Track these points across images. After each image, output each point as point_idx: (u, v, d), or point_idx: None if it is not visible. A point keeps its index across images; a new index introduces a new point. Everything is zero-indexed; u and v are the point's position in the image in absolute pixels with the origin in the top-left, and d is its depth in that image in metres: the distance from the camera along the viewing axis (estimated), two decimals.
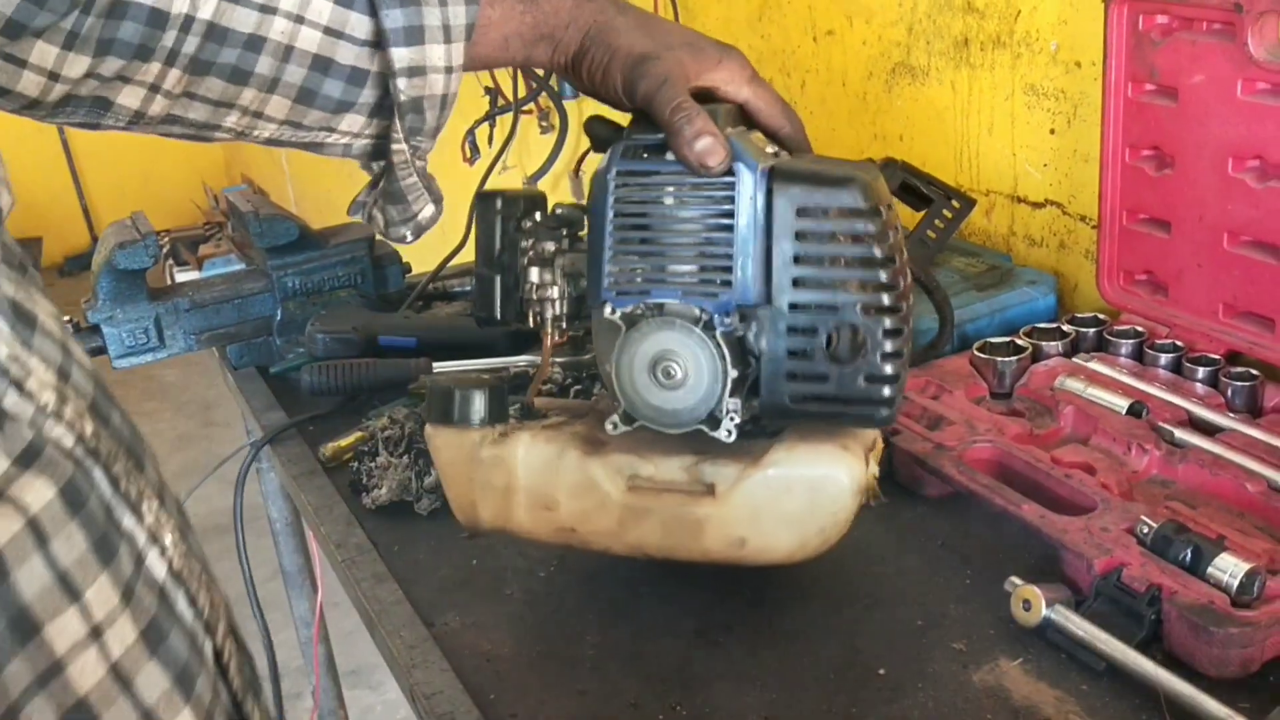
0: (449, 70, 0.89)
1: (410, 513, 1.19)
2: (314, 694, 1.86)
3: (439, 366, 1.41)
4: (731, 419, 0.92)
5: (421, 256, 1.70)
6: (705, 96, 0.92)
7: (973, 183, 1.58)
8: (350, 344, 1.45)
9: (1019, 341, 1.27)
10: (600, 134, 0.95)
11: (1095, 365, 1.24)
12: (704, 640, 0.98)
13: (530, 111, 2.54)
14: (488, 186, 1.12)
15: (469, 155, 2.52)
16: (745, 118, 0.95)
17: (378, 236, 1.60)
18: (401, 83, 0.87)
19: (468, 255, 1.67)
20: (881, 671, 0.92)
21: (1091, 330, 1.29)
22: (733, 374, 0.90)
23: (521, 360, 1.43)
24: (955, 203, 1.37)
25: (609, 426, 0.95)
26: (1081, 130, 1.41)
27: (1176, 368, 1.22)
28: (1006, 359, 1.24)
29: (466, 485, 0.99)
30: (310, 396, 1.42)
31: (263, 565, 3.30)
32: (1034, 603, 0.93)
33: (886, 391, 0.88)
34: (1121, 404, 1.15)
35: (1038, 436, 1.15)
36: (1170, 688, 0.83)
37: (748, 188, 0.87)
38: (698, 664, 0.96)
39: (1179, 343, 1.24)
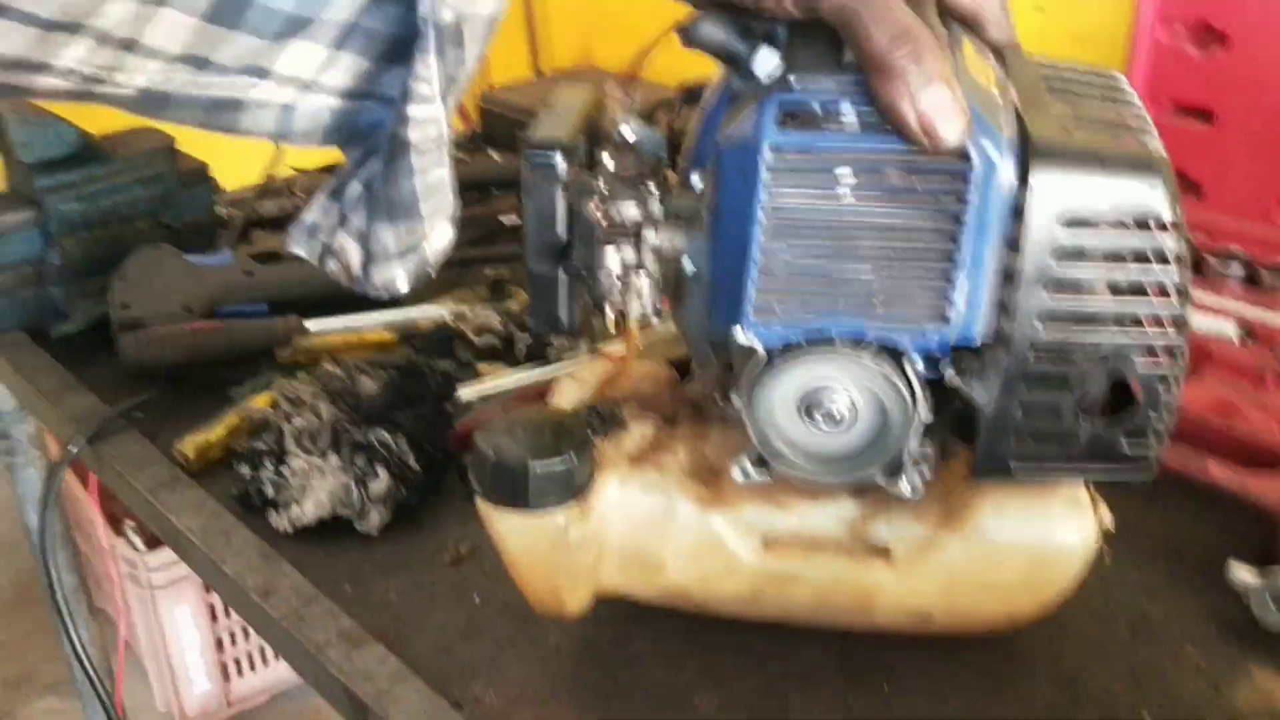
0: None
1: (348, 534, 0.84)
2: None
3: (315, 325, 1.04)
4: (920, 471, 0.64)
5: (225, 166, 1.30)
6: None
7: None
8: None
9: None
10: (718, 41, 0.57)
11: None
12: (864, 690, 0.71)
13: None
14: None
15: None
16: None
17: (177, 145, 1.18)
18: None
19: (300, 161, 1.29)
20: (1146, 715, 0.69)
21: None
22: (927, 418, 0.62)
23: (421, 312, 1.09)
24: None
25: (736, 474, 0.65)
26: (1075, 7, 1.20)
27: (1251, 281, 1.04)
28: None
29: (548, 574, 0.68)
30: (129, 376, 1.01)
31: None
32: None
33: (1155, 449, 0.62)
34: (1228, 330, 0.96)
35: None
36: None
37: (989, 176, 0.56)
38: None
39: (1241, 250, 1.06)
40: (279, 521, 0.84)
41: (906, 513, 0.67)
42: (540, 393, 0.96)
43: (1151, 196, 0.56)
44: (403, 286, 0.55)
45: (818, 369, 0.61)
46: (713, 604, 0.70)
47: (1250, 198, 1.08)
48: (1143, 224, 0.56)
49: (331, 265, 0.54)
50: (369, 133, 0.51)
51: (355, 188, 0.53)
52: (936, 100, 0.53)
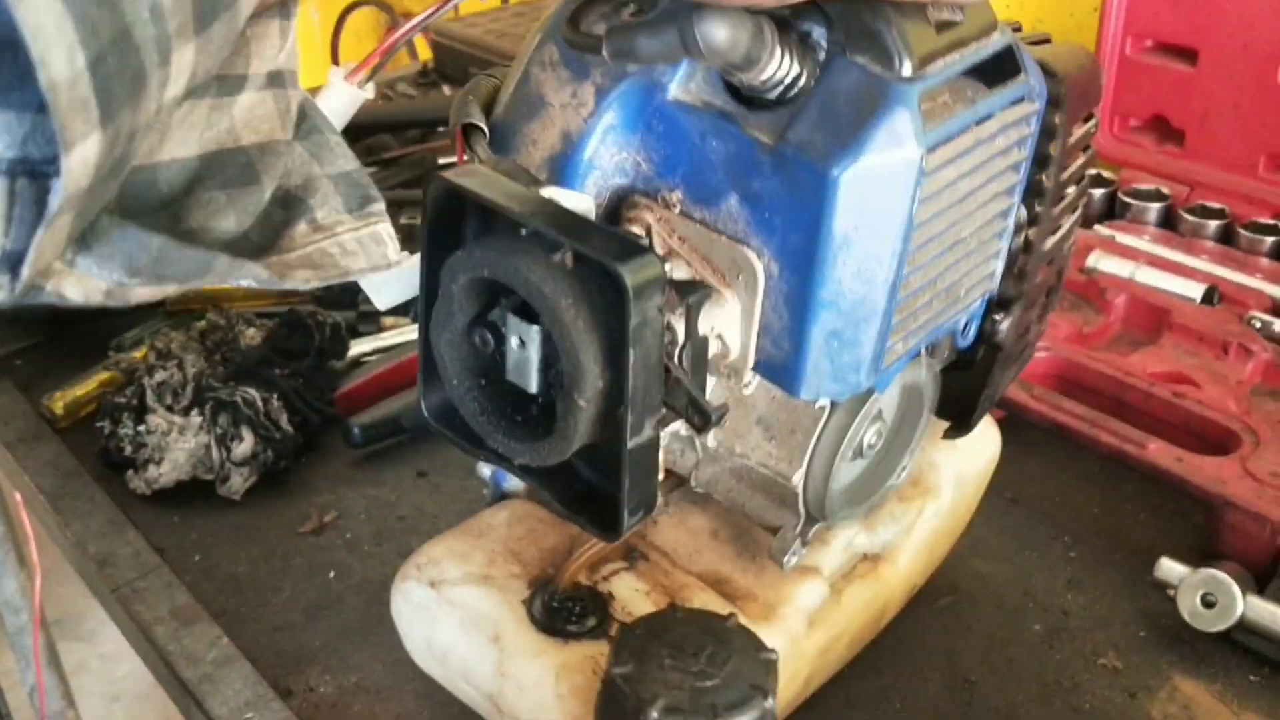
0: None
1: (209, 496, 0.78)
2: (37, 695, 1.40)
3: None
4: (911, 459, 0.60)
5: None
6: None
7: None
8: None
9: None
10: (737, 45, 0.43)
11: (1125, 238, 0.95)
12: None
13: None
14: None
15: None
16: None
17: None
18: None
19: None
20: None
21: (1099, 191, 1.01)
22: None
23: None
24: None
25: (787, 560, 0.56)
26: None
27: (1225, 238, 0.95)
28: None
29: None
30: (11, 323, 0.95)
31: None
32: (1223, 596, 0.64)
33: None
34: (1192, 290, 0.87)
35: (1087, 336, 0.86)
36: None
37: (1041, 109, 0.53)
38: None
39: (1217, 205, 0.97)
40: (135, 482, 0.78)
41: (892, 505, 0.63)
42: None
43: None
44: None
45: (873, 409, 0.54)
46: None
47: (1235, 148, 0.98)
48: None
49: None
50: None
51: None
52: None
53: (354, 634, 0.68)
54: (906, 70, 0.45)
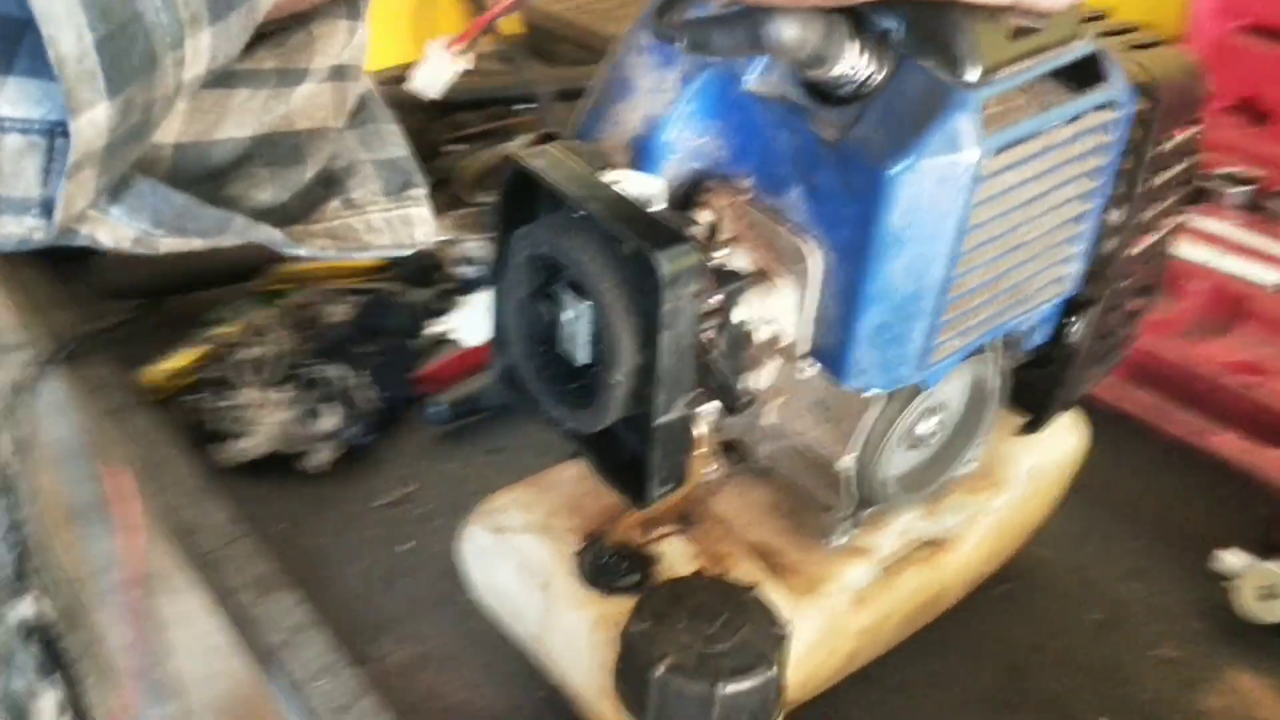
0: None
1: (292, 470, 0.81)
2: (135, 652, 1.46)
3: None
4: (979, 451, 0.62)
5: None
6: None
7: None
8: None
9: None
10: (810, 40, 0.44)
11: (1207, 222, 0.94)
12: None
13: None
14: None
15: None
16: None
17: None
18: None
19: None
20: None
21: None
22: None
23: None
24: None
25: (834, 540, 0.59)
26: None
27: None
28: None
29: None
30: (107, 298, 0.99)
31: None
32: None
33: None
34: (1269, 276, 0.86)
35: (1161, 323, 0.86)
36: None
37: (1130, 113, 0.53)
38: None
39: None
40: (223, 455, 0.82)
41: (958, 494, 0.64)
42: None
43: None
44: None
45: (925, 401, 0.56)
46: (810, 688, 0.62)
47: None
48: None
49: None
50: None
51: None
52: None
53: (426, 605, 0.71)
54: (972, 76, 0.46)
